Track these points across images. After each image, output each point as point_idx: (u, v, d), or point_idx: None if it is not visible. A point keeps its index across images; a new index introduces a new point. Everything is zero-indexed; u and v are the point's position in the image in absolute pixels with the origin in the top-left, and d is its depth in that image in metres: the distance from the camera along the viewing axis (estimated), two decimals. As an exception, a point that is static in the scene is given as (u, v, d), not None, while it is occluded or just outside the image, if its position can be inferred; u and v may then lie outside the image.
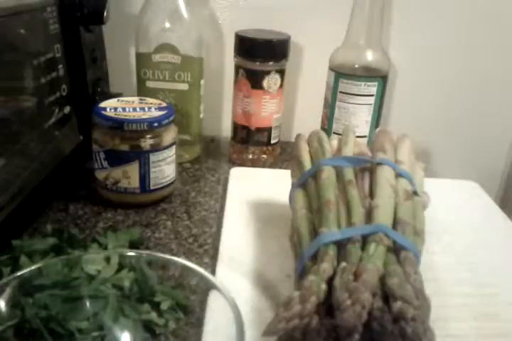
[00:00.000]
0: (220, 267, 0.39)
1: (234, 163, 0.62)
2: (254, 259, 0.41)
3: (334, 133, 0.61)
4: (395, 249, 0.32)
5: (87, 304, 0.31)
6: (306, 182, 0.41)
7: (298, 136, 0.47)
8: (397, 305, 0.24)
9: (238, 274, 0.38)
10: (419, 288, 0.27)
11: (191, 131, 0.61)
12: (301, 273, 0.32)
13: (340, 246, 0.33)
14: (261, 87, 0.57)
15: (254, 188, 0.53)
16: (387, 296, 0.25)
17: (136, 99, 0.51)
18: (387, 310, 0.25)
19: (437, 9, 0.65)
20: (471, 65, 0.67)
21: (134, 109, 0.48)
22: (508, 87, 0.69)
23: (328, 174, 0.39)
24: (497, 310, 0.36)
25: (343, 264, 0.29)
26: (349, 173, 0.39)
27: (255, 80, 0.57)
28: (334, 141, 0.45)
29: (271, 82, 0.57)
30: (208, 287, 0.30)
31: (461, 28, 0.66)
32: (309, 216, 0.38)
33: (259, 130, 0.60)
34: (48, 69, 0.45)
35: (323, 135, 0.45)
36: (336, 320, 0.25)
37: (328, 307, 0.26)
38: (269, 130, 0.60)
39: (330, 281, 0.27)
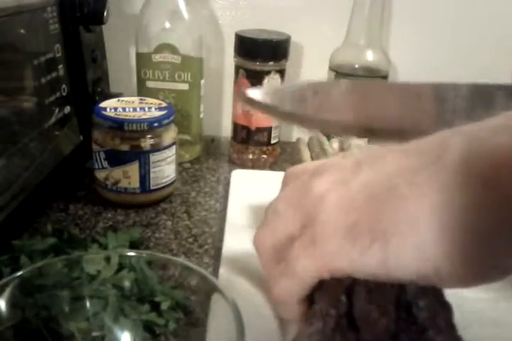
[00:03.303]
0: (223, 270, 0.39)
1: (234, 163, 0.62)
2: (258, 262, 0.41)
3: (334, 133, 0.61)
4: None
5: (87, 304, 0.31)
6: None
7: (298, 140, 0.47)
8: (423, 315, 0.24)
9: (241, 278, 0.38)
10: (440, 293, 0.27)
11: (191, 131, 0.61)
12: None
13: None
14: (261, 87, 0.57)
15: (256, 191, 0.52)
16: (409, 305, 0.25)
17: (136, 99, 0.51)
18: (413, 320, 0.25)
19: (437, 9, 0.65)
20: (471, 65, 0.67)
21: (134, 109, 0.48)
22: (508, 87, 0.69)
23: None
24: (498, 315, 0.36)
25: None
26: None
27: (255, 80, 0.57)
28: (335, 144, 0.45)
29: (271, 82, 0.57)
30: (208, 287, 0.30)
31: (462, 28, 0.66)
32: None
33: (259, 130, 0.60)
34: (48, 69, 0.45)
35: (324, 138, 0.45)
36: (362, 334, 0.24)
37: (349, 319, 0.25)
38: (269, 130, 0.60)
39: (348, 291, 0.26)
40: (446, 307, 0.25)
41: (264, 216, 0.30)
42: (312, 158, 0.44)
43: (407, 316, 0.24)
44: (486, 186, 0.20)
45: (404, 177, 0.23)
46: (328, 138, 0.47)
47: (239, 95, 0.56)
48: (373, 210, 0.23)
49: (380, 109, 0.40)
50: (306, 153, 0.44)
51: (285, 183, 0.31)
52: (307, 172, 0.28)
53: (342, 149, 0.43)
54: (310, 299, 0.26)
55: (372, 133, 0.37)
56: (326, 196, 0.25)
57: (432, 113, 0.39)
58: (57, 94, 0.47)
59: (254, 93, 0.41)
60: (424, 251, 0.21)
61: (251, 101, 0.41)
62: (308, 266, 0.25)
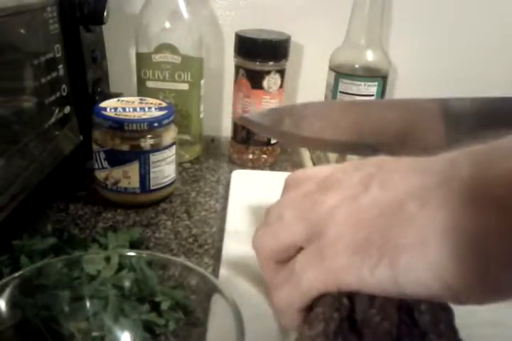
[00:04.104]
0: (223, 270, 0.39)
1: (234, 163, 0.62)
2: (258, 262, 0.40)
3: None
4: None
5: (87, 304, 0.31)
6: None
7: None
8: (425, 319, 0.24)
9: (241, 278, 0.38)
10: None
11: (191, 131, 0.61)
12: None
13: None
14: (261, 87, 0.57)
15: (256, 191, 0.52)
16: (410, 308, 0.25)
17: (136, 99, 0.51)
18: (414, 323, 0.24)
19: (437, 9, 0.65)
20: (471, 65, 0.67)
21: (134, 109, 0.48)
22: (507, 87, 0.69)
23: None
24: (502, 317, 0.36)
25: None
26: None
27: (255, 80, 0.57)
28: None
29: (271, 82, 0.57)
30: (208, 287, 0.30)
31: (461, 28, 0.66)
32: None
33: (259, 130, 0.60)
34: (48, 69, 0.45)
35: None
36: (364, 338, 0.24)
37: (351, 322, 0.25)
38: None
39: (350, 294, 0.26)
40: (447, 311, 0.25)
41: (264, 217, 0.30)
42: (312, 160, 0.43)
43: (408, 320, 0.24)
44: (497, 210, 0.20)
45: (413, 196, 0.23)
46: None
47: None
48: (383, 228, 0.23)
49: (380, 126, 0.40)
50: (306, 155, 0.44)
51: (287, 189, 0.31)
52: (312, 180, 0.28)
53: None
54: (309, 306, 0.26)
55: (374, 150, 0.37)
56: (335, 211, 0.25)
57: (436, 128, 0.39)
58: (57, 94, 0.47)
59: (253, 115, 0.41)
60: (435, 270, 0.21)
61: (250, 123, 0.41)
62: (315, 279, 0.25)
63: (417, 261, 0.22)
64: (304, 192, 0.28)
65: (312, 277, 0.25)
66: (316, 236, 0.25)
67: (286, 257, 0.28)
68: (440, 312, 0.24)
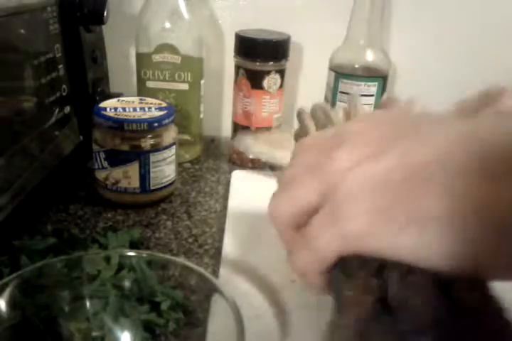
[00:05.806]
0: (223, 271, 0.39)
1: (234, 163, 0.62)
2: (258, 264, 0.40)
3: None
4: None
5: (87, 304, 0.31)
6: None
7: (299, 113, 0.42)
8: (466, 297, 0.21)
9: (241, 278, 0.38)
10: None
11: (191, 131, 0.61)
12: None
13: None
14: (261, 87, 0.57)
15: (256, 191, 0.52)
16: (447, 285, 0.22)
17: (136, 99, 0.51)
18: (451, 302, 0.22)
19: (437, 9, 0.65)
20: (471, 65, 0.67)
21: (134, 109, 0.48)
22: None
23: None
24: None
25: None
26: None
27: (255, 80, 0.57)
28: (340, 114, 0.41)
29: (271, 82, 0.57)
30: (208, 287, 0.30)
31: (462, 29, 0.66)
32: None
33: (259, 130, 0.60)
34: (48, 69, 0.45)
35: (328, 107, 0.41)
36: (399, 323, 0.22)
37: (384, 305, 0.22)
38: (269, 130, 0.60)
39: (379, 275, 0.24)
40: (487, 288, 0.23)
41: (277, 182, 0.28)
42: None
43: (445, 298, 0.21)
44: None
45: (439, 163, 0.21)
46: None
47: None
48: (409, 194, 0.21)
49: None
50: (312, 128, 0.40)
51: (297, 153, 0.29)
52: (321, 140, 0.27)
53: (348, 118, 0.40)
54: (334, 265, 0.25)
55: None
56: (349, 173, 0.23)
57: None
58: (57, 94, 0.47)
59: None
60: (466, 242, 0.20)
61: None
62: (330, 244, 0.24)
63: (443, 235, 0.20)
64: (317, 149, 0.26)
65: (327, 241, 0.24)
66: (330, 197, 0.24)
67: (303, 222, 0.26)
68: (481, 289, 0.22)
